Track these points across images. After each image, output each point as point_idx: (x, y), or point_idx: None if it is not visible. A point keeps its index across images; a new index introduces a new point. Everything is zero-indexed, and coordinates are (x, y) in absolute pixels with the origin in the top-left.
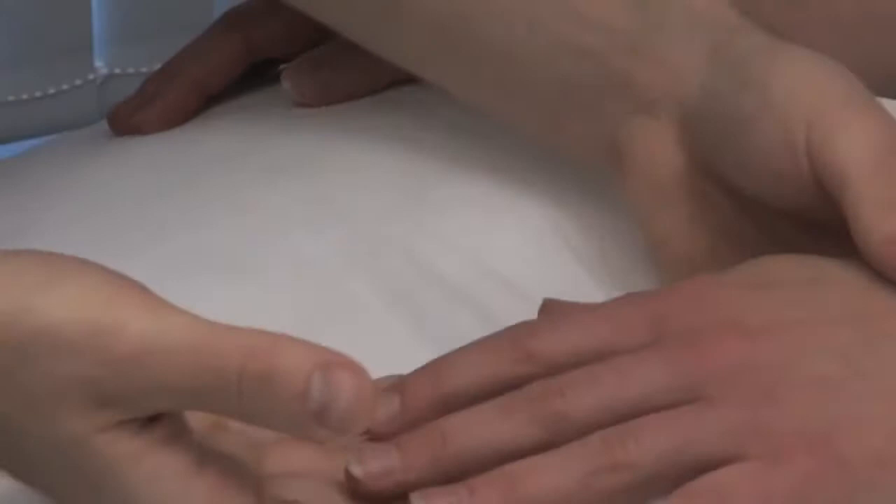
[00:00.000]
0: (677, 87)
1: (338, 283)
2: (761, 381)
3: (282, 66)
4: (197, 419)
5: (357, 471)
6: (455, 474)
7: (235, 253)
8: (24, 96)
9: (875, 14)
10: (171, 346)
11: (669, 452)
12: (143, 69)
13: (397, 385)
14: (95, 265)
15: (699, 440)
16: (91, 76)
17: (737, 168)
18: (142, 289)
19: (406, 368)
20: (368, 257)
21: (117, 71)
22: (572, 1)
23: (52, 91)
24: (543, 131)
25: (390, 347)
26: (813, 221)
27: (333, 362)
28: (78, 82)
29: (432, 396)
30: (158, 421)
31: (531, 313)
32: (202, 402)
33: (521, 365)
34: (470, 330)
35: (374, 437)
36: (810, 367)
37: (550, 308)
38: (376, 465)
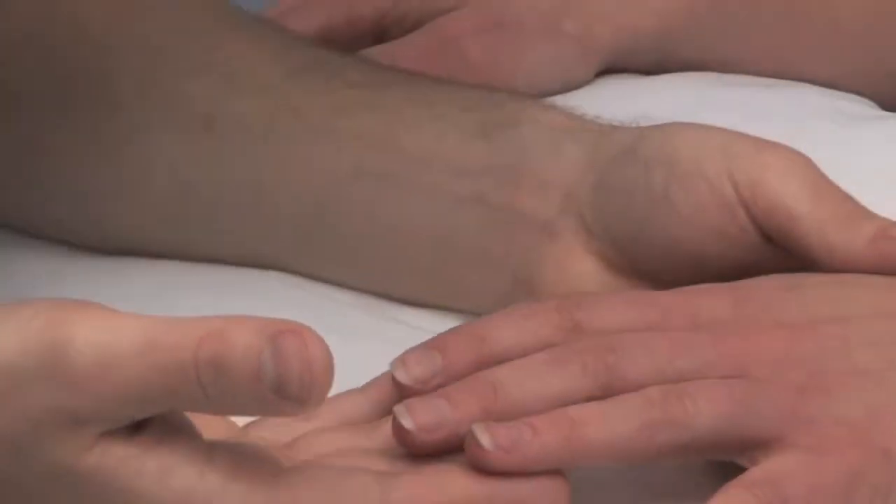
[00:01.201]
0: (568, 202)
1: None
2: (805, 371)
3: None
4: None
5: (408, 423)
6: None
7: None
8: None
9: (876, 18)
10: (124, 352)
11: (724, 419)
12: None
13: (436, 343)
14: (27, 299)
15: (752, 414)
16: None
17: (669, 245)
18: (82, 303)
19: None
20: None
21: None
22: (440, 152)
23: None
24: (434, 291)
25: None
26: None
27: (279, 331)
28: None
29: (474, 355)
30: (149, 421)
31: None
32: (170, 400)
33: (567, 333)
34: None
35: (415, 393)
36: (850, 360)
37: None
38: (428, 418)
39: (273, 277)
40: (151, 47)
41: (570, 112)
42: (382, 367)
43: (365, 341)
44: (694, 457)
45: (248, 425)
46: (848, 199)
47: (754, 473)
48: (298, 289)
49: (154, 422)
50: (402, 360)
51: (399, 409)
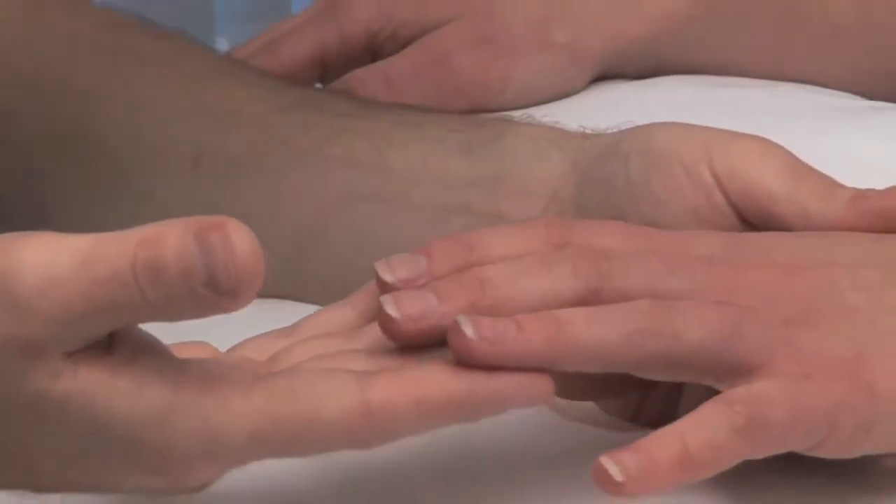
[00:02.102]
0: (552, 202)
1: None
2: (796, 305)
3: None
4: None
5: (393, 311)
6: None
7: None
8: None
9: (874, 20)
10: (64, 270)
11: (712, 338)
12: None
13: (423, 249)
14: None
15: (740, 337)
16: None
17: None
18: (29, 232)
19: None
20: None
21: None
22: (428, 169)
23: None
24: None
25: None
26: None
27: (205, 227)
28: None
29: (461, 261)
30: (116, 343)
31: None
32: (114, 312)
33: (556, 248)
34: None
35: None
36: (840, 300)
37: None
38: (414, 308)
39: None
40: (140, 99)
41: (553, 125)
42: None
43: None
44: (678, 374)
45: (231, 348)
46: (824, 177)
47: (736, 392)
48: (290, 312)
49: (123, 343)
50: (387, 262)
51: (385, 298)
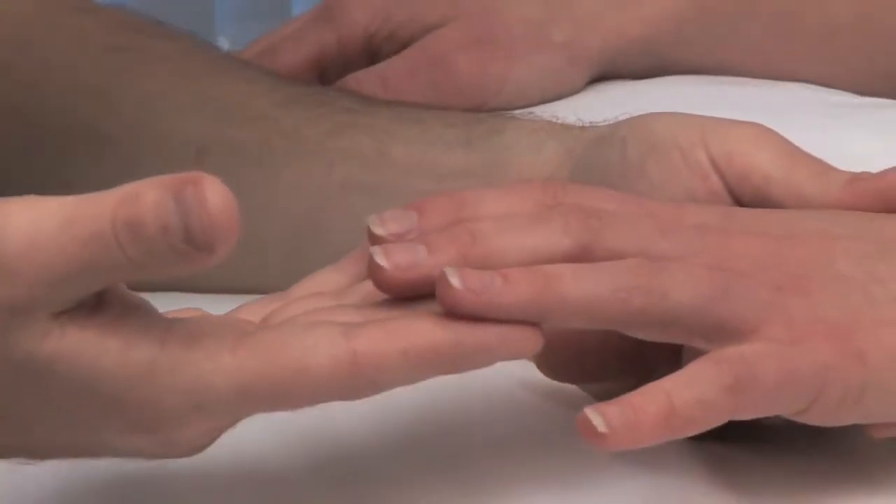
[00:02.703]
0: None
1: None
2: (788, 272)
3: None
4: None
5: (382, 261)
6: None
7: None
8: None
9: (873, 22)
10: (47, 231)
11: (702, 299)
12: None
13: (414, 204)
14: None
15: (731, 300)
16: None
17: None
18: (14, 197)
19: None
20: None
21: None
22: (428, 160)
23: None
24: None
25: None
26: None
27: (180, 182)
28: None
29: (453, 217)
30: (103, 303)
31: None
32: (96, 271)
33: (548, 208)
34: None
35: None
36: (833, 268)
37: None
38: (403, 258)
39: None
40: (147, 94)
41: (551, 119)
42: None
43: None
44: (666, 333)
45: (225, 314)
46: (820, 161)
47: (725, 352)
48: None
49: (111, 303)
50: (379, 217)
51: (375, 249)
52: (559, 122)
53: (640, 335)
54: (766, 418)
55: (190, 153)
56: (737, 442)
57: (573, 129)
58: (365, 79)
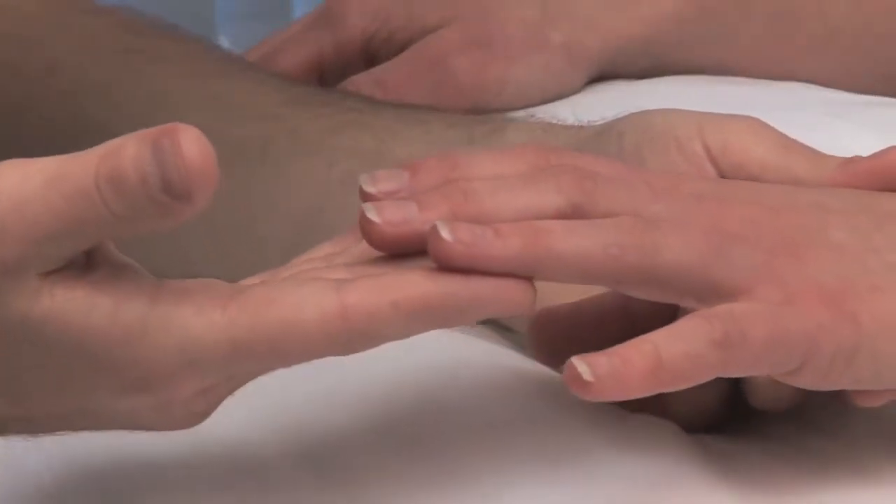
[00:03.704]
0: None
1: None
2: (782, 238)
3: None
4: None
5: (374, 216)
6: None
7: None
8: None
9: (872, 25)
10: (33, 191)
11: (694, 258)
12: None
13: (407, 164)
14: None
15: (723, 260)
16: None
17: None
18: (4, 161)
19: None
20: None
21: None
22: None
23: None
24: None
25: None
26: None
27: (157, 134)
28: None
29: (445, 178)
30: (92, 264)
31: None
32: (88, 228)
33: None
34: None
35: None
36: (827, 237)
37: None
38: (395, 214)
39: None
40: (152, 92)
41: (551, 119)
42: (379, 370)
43: None
44: (658, 292)
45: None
46: (814, 149)
47: (715, 309)
48: None
49: (100, 263)
50: (370, 175)
51: (367, 205)
52: (559, 122)
53: (632, 293)
54: (764, 412)
55: None
56: (731, 434)
57: (572, 128)
58: (363, 82)
